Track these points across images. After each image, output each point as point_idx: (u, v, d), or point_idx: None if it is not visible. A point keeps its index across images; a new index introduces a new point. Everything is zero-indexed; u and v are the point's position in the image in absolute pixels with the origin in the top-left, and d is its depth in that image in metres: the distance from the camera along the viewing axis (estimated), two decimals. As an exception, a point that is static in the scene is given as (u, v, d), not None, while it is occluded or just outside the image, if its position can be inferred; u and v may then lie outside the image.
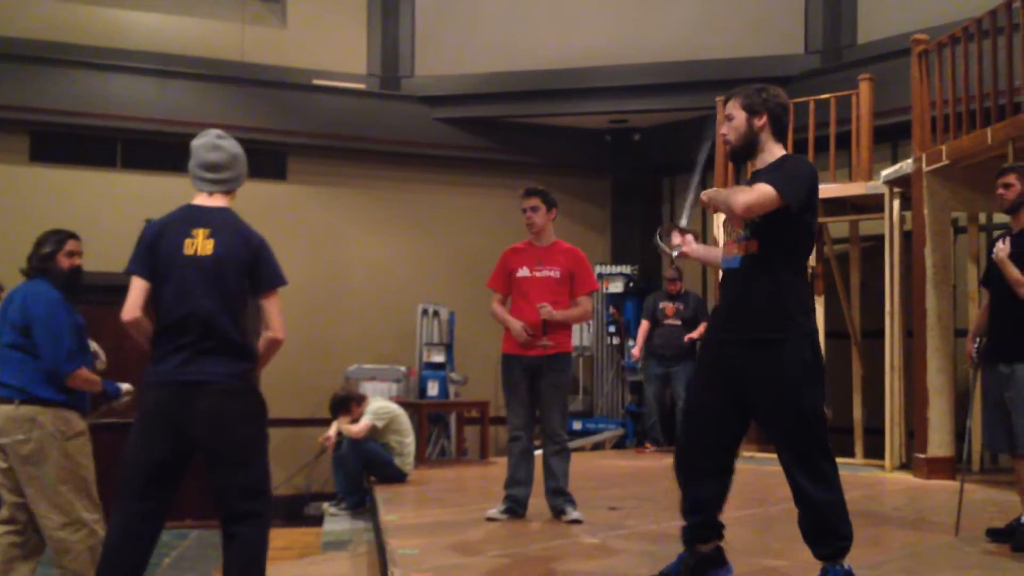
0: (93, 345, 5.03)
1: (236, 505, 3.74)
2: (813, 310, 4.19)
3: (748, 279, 3.62)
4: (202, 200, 3.88)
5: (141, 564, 3.74)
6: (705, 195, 3.69)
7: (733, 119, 3.73)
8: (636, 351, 10.16)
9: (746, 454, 9.23)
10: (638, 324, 10.80)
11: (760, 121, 3.69)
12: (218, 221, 3.81)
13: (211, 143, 3.91)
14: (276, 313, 3.84)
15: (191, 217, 3.82)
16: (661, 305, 9.98)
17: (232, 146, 3.94)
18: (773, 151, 3.71)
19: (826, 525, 3.54)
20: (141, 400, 3.80)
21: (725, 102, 3.81)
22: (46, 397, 4.59)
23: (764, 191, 3.48)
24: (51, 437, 4.58)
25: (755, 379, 3.59)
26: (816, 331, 3.71)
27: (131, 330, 3.85)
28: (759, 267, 3.60)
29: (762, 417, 3.68)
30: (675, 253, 3.91)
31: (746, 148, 3.73)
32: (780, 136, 3.77)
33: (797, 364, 3.57)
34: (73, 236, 4.94)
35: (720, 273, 3.87)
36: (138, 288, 3.81)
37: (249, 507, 3.75)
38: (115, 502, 3.75)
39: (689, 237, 3.94)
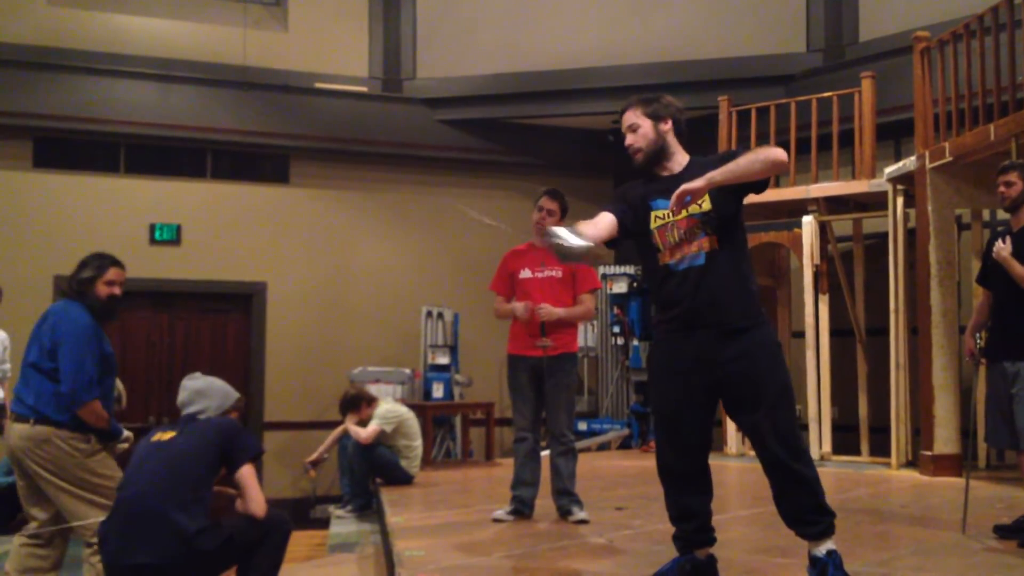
0: (118, 384, 5.03)
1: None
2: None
3: (714, 274, 3.60)
4: None
5: None
6: (710, 179, 3.45)
7: (639, 128, 3.79)
8: None
9: (751, 453, 9.24)
10: (643, 324, 10.81)
11: (666, 126, 3.79)
12: (192, 422, 4.23)
13: (181, 387, 4.39)
14: (251, 487, 4.08)
15: (172, 423, 4.27)
16: None
17: (194, 384, 4.37)
18: (681, 154, 3.82)
19: (817, 501, 3.53)
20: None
21: (620, 114, 3.86)
22: (59, 420, 4.58)
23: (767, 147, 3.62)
24: (69, 456, 4.58)
25: (735, 364, 3.56)
26: None
27: None
28: (723, 262, 3.61)
29: (744, 402, 3.61)
30: (580, 243, 3.47)
31: (658, 154, 3.79)
32: (681, 139, 3.87)
33: (773, 345, 3.65)
34: (116, 263, 4.86)
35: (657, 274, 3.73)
36: None
37: (262, 540, 4.08)
38: None
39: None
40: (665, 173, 3.77)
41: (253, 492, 4.06)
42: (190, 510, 3.87)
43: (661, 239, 3.68)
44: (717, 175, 3.47)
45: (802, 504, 3.53)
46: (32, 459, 4.57)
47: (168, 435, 4.11)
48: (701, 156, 3.87)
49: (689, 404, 3.67)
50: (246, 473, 4.07)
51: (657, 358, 3.81)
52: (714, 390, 3.66)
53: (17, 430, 4.62)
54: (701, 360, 3.59)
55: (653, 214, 3.69)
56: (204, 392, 4.32)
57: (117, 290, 4.85)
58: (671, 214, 3.63)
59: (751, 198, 3.73)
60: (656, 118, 3.78)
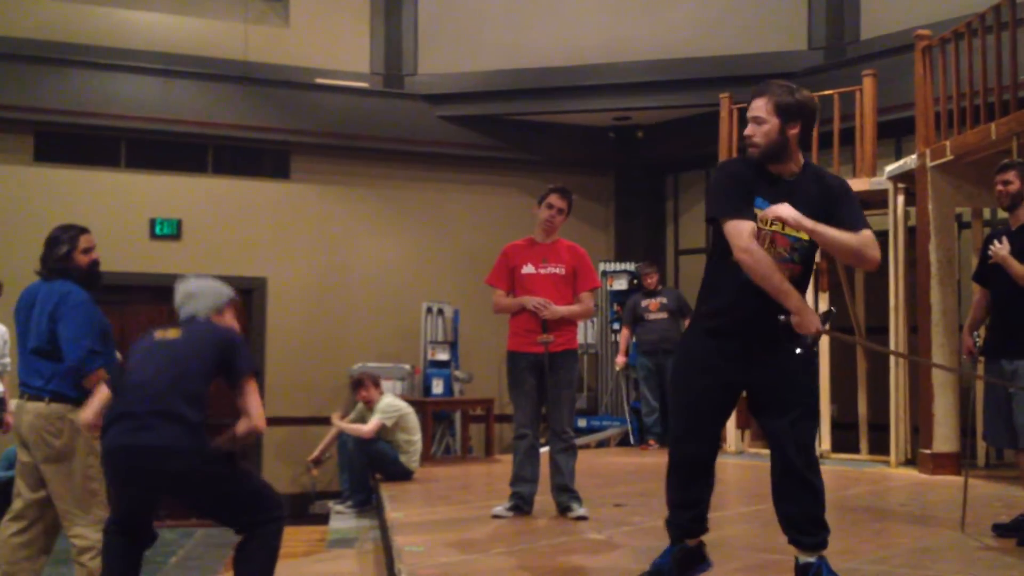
0: (117, 355, 5.04)
1: (240, 524, 3.95)
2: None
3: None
4: None
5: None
6: (803, 224, 3.36)
7: (764, 124, 3.51)
8: (621, 358, 10.26)
9: (751, 450, 9.26)
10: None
11: (794, 129, 3.50)
12: (193, 322, 4.17)
13: (175, 289, 4.31)
14: (253, 401, 4.01)
15: (172, 323, 4.19)
16: (644, 303, 10.05)
17: (184, 286, 4.29)
18: (798, 158, 3.60)
19: (820, 514, 3.54)
20: (102, 455, 3.99)
21: (752, 97, 3.58)
22: (75, 396, 4.60)
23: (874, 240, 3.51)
24: (81, 435, 4.59)
25: (771, 368, 3.53)
26: None
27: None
28: (796, 287, 3.50)
29: (773, 406, 3.58)
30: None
31: (774, 155, 3.54)
32: (806, 142, 3.64)
33: (811, 355, 3.64)
34: (85, 231, 4.89)
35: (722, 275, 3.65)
36: (102, 395, 4.24)
37: (254, 518, 3.93)
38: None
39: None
40: (776, 172, 3.57)
41: (255, 405, 4.00)
42: (192, 404, 3.84)
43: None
44: (813, 229, 3.38)
45: (807, 515, 3.53)
46: (44, 437, 4.58)
47: (171, 333, 4.07)
48: (818, 167, 3.73)
49: (719, 396, 3.66)
50: (248, 387, 4.02)
51: (692, 350, 3.73)
52: (742, 387, 3.66)
53: (32, 408, 4.63)
54: (739, 358, 3.56)
55: (754, 209, 3.51)
56: (195, 294, 4.26)
57: (94, 255, 4.89)
58: (765, 223, 3.47)
59: None
60: (787, 118, 3.49)
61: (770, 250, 3.45)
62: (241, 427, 4.00)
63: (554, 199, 5.72)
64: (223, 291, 4.35)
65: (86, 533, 4.61)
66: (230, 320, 4.32)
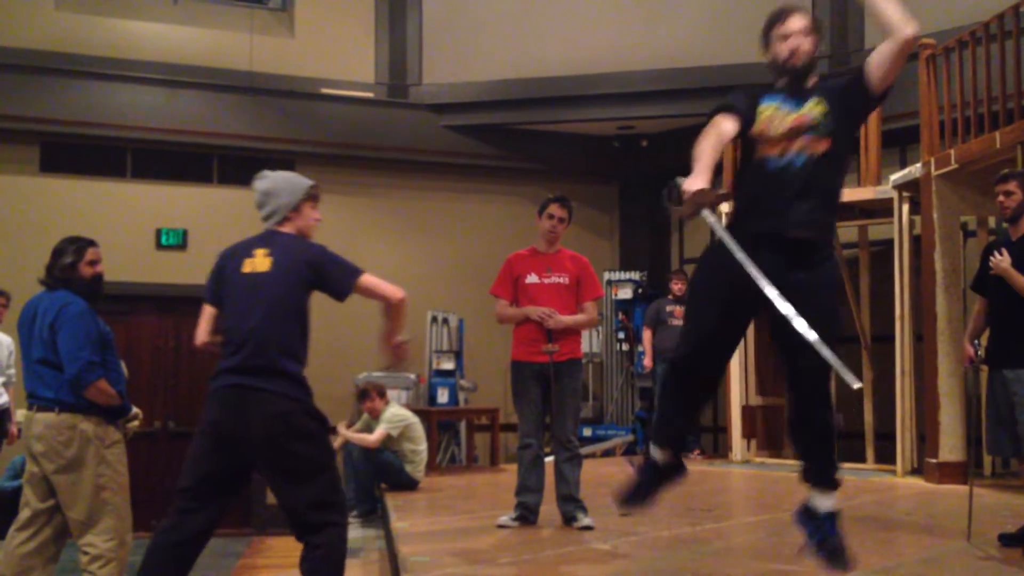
0: (122, 365, 5.05)
1: (309, 520, 3.68)
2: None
3: (810, 182, 3.37)
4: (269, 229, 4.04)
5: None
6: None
7: (809, 37, 3.57)
8: (648, 361, 10.20)
9: (756, 460, 9.24)
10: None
11: (818, 45, 3.60)
12: (278, 242, 3.93)
13: (253, 188, 4.07)
14: (377, 286, 3.88)
15: (256, 240, 3.98)
16: (668, 308, 10.01)
17: (262, 184, 4.06)
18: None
19: (834, 449, 3.47)
20: (205, 411, 3.77)
21: (785, 14, 3.69)
22: (84, 405, 4.62)
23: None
24: (91, 444, 4.61)
25: (803, 284, 3.31)
26: None
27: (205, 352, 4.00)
28: (825, 170, 3.39)
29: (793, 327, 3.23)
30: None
31: (807, 71, 3.60)
32: None
33: (839, 281, 3.59)
34: (92, 244, 4.91)
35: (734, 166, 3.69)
36: (206, 315, 3.95)
37: (327, 513, 3.69)
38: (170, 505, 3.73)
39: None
40: (801, 89, 3.61)
41: (383, 288, 3.88)
42: (295, 357, 3.74)
43: (773, 126, 3.54)
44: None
45: (831, 450, 3.45)
46: (54, 447, 4.59)
47: (259, 263, 3.86)
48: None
49: (732, 299, 3.43)
50: (363, 286, 3.87)
51: (712, 254, 3.57)
52: (758, 303, 3.28)
53: (41, 419, 4.64)
54: (767, 269, 3.21)
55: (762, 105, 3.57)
56: (271, 191, 4.03)
57: (99, 268, 4.90)
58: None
59: None
60: (819, 34, 3.61)
61: (793, 126, 3.46)
62: (387, 314, 3.88)
63: (554, 209, 5.73)
64: (299, 182, 4.09)
65: (96, 542, 4.62)
66: (309, 214, 4.09)
